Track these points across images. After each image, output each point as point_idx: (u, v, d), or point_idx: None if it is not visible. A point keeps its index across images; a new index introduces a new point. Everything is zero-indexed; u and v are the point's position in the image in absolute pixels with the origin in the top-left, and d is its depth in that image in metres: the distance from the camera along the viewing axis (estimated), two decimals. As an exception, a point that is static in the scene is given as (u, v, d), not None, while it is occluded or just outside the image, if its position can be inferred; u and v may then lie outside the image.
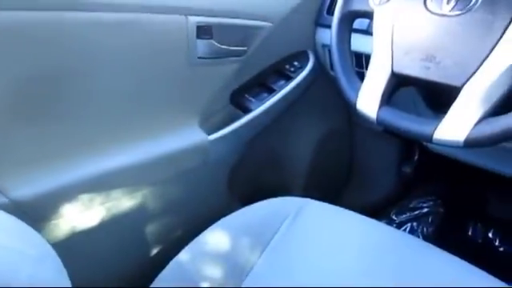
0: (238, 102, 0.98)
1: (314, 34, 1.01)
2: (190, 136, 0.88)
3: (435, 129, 0.62)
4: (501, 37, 0.58)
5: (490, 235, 1.23)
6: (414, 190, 1.34)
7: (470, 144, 0.60)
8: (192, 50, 0.83)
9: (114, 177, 0.79)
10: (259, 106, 0.97)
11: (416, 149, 1.21)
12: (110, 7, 0.72)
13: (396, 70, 0.67)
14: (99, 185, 0.77)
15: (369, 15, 0.74)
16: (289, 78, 1.01)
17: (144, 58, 0.79)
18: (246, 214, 0.79)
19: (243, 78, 0.96)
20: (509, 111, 0.57)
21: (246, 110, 0.97)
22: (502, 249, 1.20)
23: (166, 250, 0.92)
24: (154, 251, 0.92)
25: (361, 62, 0.88)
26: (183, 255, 0.72)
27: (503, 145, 0.79)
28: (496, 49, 0.58)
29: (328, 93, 1.05)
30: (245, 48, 0.92)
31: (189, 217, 0.96)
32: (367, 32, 0.86)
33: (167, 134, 0.86)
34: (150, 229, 0.91)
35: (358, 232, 0.74)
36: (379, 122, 0.69)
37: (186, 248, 0.73)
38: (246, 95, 0.99)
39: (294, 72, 1.01)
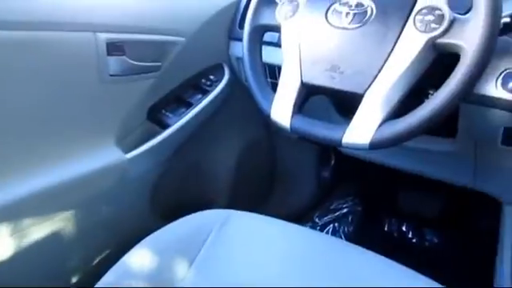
0: (156, 118, 0.97)
1: (228, 47, 1.03)
2: (106, 156, 0.86)
3: (343, 134, 0.66)
4: (394, 46, 0.64)
5: (404, 228, 1.33)
6: (334, 192, 1.41)
7: (375, 146, 0.64)
8: (103, 68, 0.81)
9: (28, 203, 0.74)
10: (177, 121, 0.97)
11: (332, 153, 1.27)
12: (16, 25, 0.68)
13: (305, 80, 0.71)
14: (12, 213, 0.72)
15: (277, 29, 0.77)
16: (205, 92, 1.02)
17: (53, 78, 0.76)
18: (170, 231, 0.78)
19: (159, 94, 0.96)
20: (408, 112, 0.63)
21: (164, 126, 0.96)
22: (414, 240, 1.30)
23: (90, 275, 0.88)
24: (78, 277, 0.88)
25: (274, 73, 0.91)
26: (107, 278, 0.69)
27: (406, 144, 0.87)
28: (391, 57, 0.64)
29: (246, 104, 1.08)
30: (159, 63, 0.91)
31: (112, 238, 0.92)
32: (278, 44, 0.89)
33: (83, 154, 0.83)
34: (73, 254, 0.86)
35: (283, 238, 0.76)
36: (292, 130, 0.72)
37: (110, 271, 0.71)
38: (164, 111, 0.99)
39: (210, 85, 1.03)
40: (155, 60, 0.90)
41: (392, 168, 1.06)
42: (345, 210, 1.38)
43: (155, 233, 0.77)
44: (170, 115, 0.98)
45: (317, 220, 1.38)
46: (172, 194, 1.08)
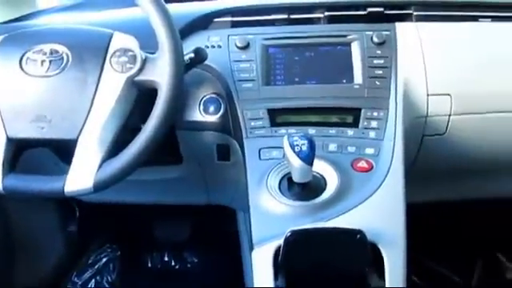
0: None
1: None
2: None
3: (64, 183, 0.64)
4: (96, 89, 0.66)
5: (166, 258, 1.37)
6: (89, 244, 1.34)
7: (100, 187, 0.64)
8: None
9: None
10: None
11: (75, 205, 1.21)
12: None
13: (10, 135, 0.66)
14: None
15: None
16: None
17: None
18: None
19: None
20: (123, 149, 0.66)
21: None
22: (177, 266, 1.35)
23: None
24: None
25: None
26: None
27: (138, 178, 0.90)
28: (96, 100, 0.65)
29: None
30: None
31: None
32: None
33: None
34: None
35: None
36: (7, 191, 0.65)
37: None
38: None
39: None
40: None
41: (138, 204, 1.08)
42: (104, 260, 1.33)
43: None
44: None
45: (76, 279, 1.28)
46: None
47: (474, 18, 0.88)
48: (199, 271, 1.31)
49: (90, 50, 0.67)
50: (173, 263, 1.36)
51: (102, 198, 1.03)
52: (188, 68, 0.73)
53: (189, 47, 0.74)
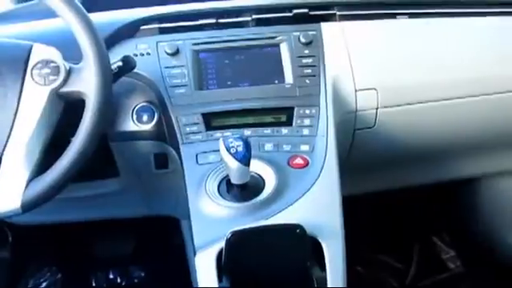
0: None
1: None
2: None
3: (-10, 205, 0.60)
4: (18, 104, 0.62)
5: (111, 276, 1.32)
6: (27, 269, 1.27)
7: (29, 207, 0.61)
8: None
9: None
10: None
11: (6, 229, 1.14)
12: None
13: None
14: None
15: None
16: None
17: None
18: None
19: None
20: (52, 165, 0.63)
21: None
22: (124, 283, 1.31)
23: None
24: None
25: None
26: None
27: (75, 196, 0.86)
28: (18, 115, 0.62)
29: None
30: None
31: None
32: None
33: None
34: None
35: None
36: None
37: None
38: None
39: None
40: None
41: (76, 222, 1.04)
42: (44, 285, 1.26)
43: None
44: None
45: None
46: None
47: (393, 16, 0.93)
48: (147, 285, 1.28)
49: (7, 64, 0.64)
50: (119, 280, 1.31)
51: (35, 219, 0.98)
52: (116, 77, 0.71)
53: (116, 56, 0.73)
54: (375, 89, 0.85)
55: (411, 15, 0.93)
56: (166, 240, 1.22)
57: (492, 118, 0.98)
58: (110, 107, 0.65)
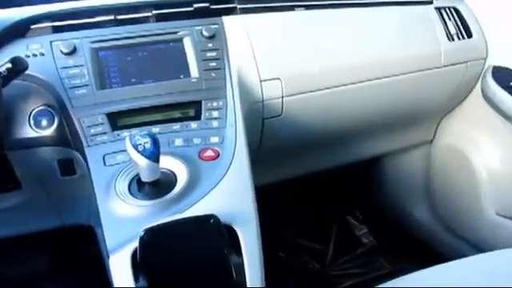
0: None
1: None
2: None
3: None
4: None
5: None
6: None
7: None
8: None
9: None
10: None
11: None
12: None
13: None
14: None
15: None
16: None
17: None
18: None
19: None
20: None
21: None
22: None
23: None
24: None
25: None
26: None
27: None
28: None
29: None
30: None
31: None
32: None
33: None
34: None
35: None
36: None
37: None
38: None
39: None
40: None
41: None
42: None
43: None
44: None
45: None
46: None
47: (292, 8, 0.97)
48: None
49: None
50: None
51: None
52: (7, 80, 0.66)
53: (5, 58, 0.68)
54: (279, 78, 0.88)
55: (307, 7, 0.97)
56: (82, 251, 1.16)
57: (390, 99, 1.06)
58: (1, 113, 0.61)
